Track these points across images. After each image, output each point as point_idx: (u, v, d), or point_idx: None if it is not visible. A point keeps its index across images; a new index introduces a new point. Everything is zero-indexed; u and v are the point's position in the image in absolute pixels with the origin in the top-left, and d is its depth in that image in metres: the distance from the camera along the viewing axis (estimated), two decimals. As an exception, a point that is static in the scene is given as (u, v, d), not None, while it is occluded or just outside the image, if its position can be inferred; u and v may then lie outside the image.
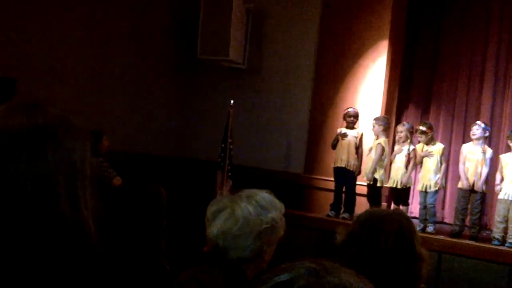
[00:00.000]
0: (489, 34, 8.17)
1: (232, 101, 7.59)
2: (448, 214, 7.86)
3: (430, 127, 7.16)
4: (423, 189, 7.00)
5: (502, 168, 6.66)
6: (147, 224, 2.72)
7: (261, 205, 2.27)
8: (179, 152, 8.74)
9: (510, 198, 6.51)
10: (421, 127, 7.13)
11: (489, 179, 6.86)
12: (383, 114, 7.64)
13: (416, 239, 2.04)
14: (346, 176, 7.33)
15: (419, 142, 7.28)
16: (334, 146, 7.44)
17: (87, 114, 7.35)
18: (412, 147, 7.10)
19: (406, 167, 7.07)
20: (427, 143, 7.07)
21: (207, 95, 8.81)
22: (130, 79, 8.04)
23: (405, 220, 2.08)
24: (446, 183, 7.97)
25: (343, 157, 7.32)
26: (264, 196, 2.32)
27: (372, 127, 7.27)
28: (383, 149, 7.14)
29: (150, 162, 8.02)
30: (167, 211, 3.16)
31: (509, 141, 6.74)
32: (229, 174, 7.31)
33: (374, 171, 7.11)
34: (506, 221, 6.50)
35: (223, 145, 7.46)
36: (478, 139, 6.86)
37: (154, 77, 8.45)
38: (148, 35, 8.31)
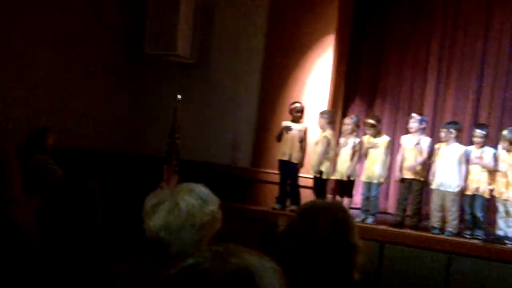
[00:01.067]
0: (433, 29, 8.38)
1: (179, 96, 7.57)
2: (391, 205, 8.05)
3: (378, 120, 7.33)
4: (367, 180, 7.15)
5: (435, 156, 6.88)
6: (80, 218, 2.71)
7: (202, 198, 2.28)
8: (127, 148, 8.69)
9: (442, 188, 6.72)
10: (369, 120, 7.28)
11: (430, 169, 7.04)
12: (329, 108, 7.76)
13: (350, 230, 2.13)
14: (290, 169, 7.44)
15: (365, 134, 7.43)
16: (278, 139, 7.55)
17: (36, 110, 7.26)
18: (358, 140, 7.24)
19: (352, 159, 7.21)
20: (374, 136, 7.23)
21: (156, 90, 8.78)
22: (77, 76, 7.95)
23: (341, 212, 2.16)
24: (389, 174, 8.19)
25: (286, 150, 7.43)
26: (202, 189, 2.33)
27: (318, 120, 7.38)
28: (329, 142, 7.26)
29: (98, 158, 7.95)
30: (109, 207, 3.17)
31: (442, 133, 6.92)
32: (176, 169, 7.30)
33: (320, 163, 7.23)
34: (443, 210, 6.73)
35: (169, 140, 7.44)
36: (415, 131, 7.05)
37: (102, 73, 8.37)
38: (96, 31, 8.23)
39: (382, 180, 7.13)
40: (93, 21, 8.19)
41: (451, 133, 6.73)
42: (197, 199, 2.27)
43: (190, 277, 0.94)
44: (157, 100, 8.70)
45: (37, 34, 7.39)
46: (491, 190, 6.57)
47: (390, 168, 7.67)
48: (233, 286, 0.93)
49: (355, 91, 8.72)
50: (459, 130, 6.82)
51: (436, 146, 6.95)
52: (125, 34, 8.70)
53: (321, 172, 7.22)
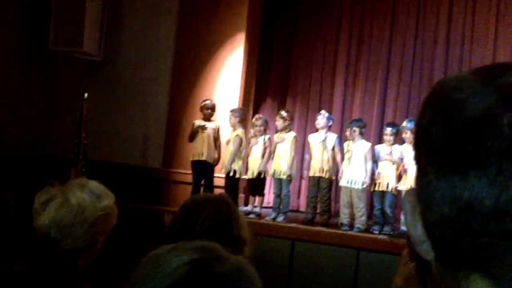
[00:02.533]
0: (340, 29, 8.58)
1: (86, 94, 7.35)
2: (303, 203, 8.14)
3: (290, 116, 7.35)
4: (275, 175, 7.18)
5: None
6: None
7: (95, 193, 2.22)
8: (31, 149, 8.34)
9: (349, 185, 6.86)
10: (282, 112, 7.34)
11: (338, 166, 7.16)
12: (240, 106, 7.75)
13: (234, 223, 2.13)
14: (205, 169, 7.36)
15: (276, 131, 7.47)
16: (191, 139, 7.44)
17: None
18: (267, 136, 7.27)
19: (263, 157, 7.22)
20: (282, 130, 7.26)
21: (61, 88, 8.47)
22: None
23: (225, 204, 2.17)
24: (302, 172, 8.28)
25: (203, 150, 7.33)
26: (95, 184, 2.27)
27: (228, 118, 7.35)
28: (241, 141, 7.24)
29: (2, 160, 7.59)
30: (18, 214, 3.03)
31: (347, 131, 7.08)
32: (83, 170, 7.08)
33: (233, 162, 7.21)
34: (351, 207, 6.86)
35: (76, 140, 7.21)
36: (322, 128, 7.15)
37: (4, 71, 7.99)
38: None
39: (288, 177, 7.14)
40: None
41: (354, 131, 6.88)
42: (89, 194, 2.20)
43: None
44: (63, 98, 8.39)
45: None
46: (399, 186, 6.76)
47: (300, 166, 7.75)
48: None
49: (266, 90, 8.78)
50: (362, 128, 6.95)
51: (345, 144, 7.07)
52: (28, 29, 8.34)
53: (234, 171, 7.19)
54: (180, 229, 2.07)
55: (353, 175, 6.81)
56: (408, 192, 0.85)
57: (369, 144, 6.93)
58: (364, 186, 6.79)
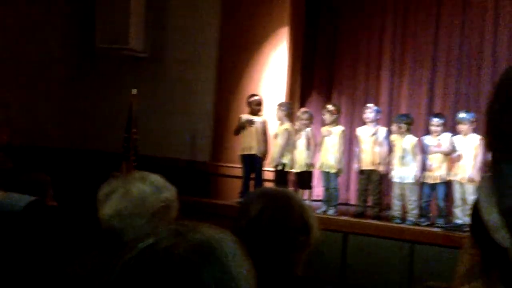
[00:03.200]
0: (384, 20, 8.47)
1: (134, 90, 7.42)
2: (353, 196, 8.08)
3: (337, 109, 7.31)
4: (322, 169, 7.14)
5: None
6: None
7: (155, 185, 2.24)
8: (82, 145, 8.49)
9: (400, 181, 6.76)
10: (328, 106, 7.29)
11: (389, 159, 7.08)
12: (286, 100, 7.73)
13: (283, 222, 1.97)
14: (254, 163, 7.37)
15: (323, 125, 7.42)
16: (237, 132, 7.46)
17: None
18: (309, 129, 7.23)
19: (308, 149, 7.20)
20: (330, 123, 7.21)
21: (109, 85, 8.59)
22: (27, 71, 7.72)
23: (273, 201, 2.01)
24: (349, 165, 8.21)
25: (252, 144, 7.36)
26: (156, 177, 2.29)
27: (276, 112, 7.33)
28: (289, 134, 7.23)
29: (53, 156, 7.74)
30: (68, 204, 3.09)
31: (394, 126, 6.98)
32: (134, 164, 7.16)
33: (282, 156, 7.20)
34: (403, 200, 6.77)
35: (126, 135, 7.29)
36: (371, 121, 7.08)
37: (52, 68, 8.15)
38: (44, 24, 8.01)
39: (337, 170, 7.09)
40: (42, 14, 7.95)
41: (401, 128, 6.79)
42: (150, 186, 2.23)
43: (150, 257, 0.92)
44: (112, 94, 8.50)
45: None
46: (449, 176, 6.67)
47: (348, 159, 7.69)
48: (195, 260, 0.92)
49: (311, 83, 8.73)
50: (409, 123, 6.86)
51: (392, 137, 6.99)
52: (75, 28, 8.48)
53: (283, 165, 7.17)
54: (235, 224, 1.99)
55: (405, 171, 6.73)
56: (483, 179, 0.82)
57: (416, 139, 6.83)
58: (415, 179, 6.69)
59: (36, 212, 2.58)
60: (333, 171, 7.08)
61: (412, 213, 6.68)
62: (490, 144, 0.83)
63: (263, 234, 1.94)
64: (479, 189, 0.89)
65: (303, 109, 7.53)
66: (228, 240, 0.99)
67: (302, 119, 7.25)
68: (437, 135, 6.79)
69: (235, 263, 0.96)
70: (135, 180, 2.24)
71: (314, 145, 7.23)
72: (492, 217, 0.85)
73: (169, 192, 2.28)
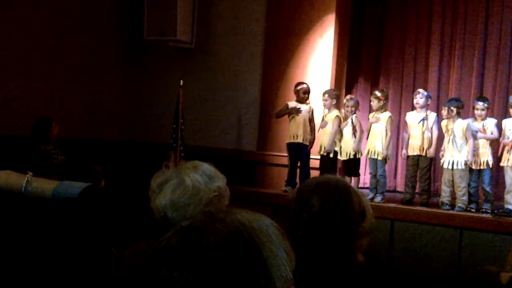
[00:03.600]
0: (433, 5, 8.31)
1: (181, 81, 7.53)
2: (400, 183, 8.01)
3: (385, 95, 7.22)
4: (370, 155, 7.10)
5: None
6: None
7: (207, 174, 2.24)
8: (130, 136, 8.66)
9: (449, 167, 6.66)
10: (376, 92, 7.23)
11: (438, 145, 6.99)
12: (332, 88, 7.70)
13: (346, 211, 1.96)
14: (301, 151, 7.38)
15: (370, 112, 7.38)
16: (279, 116, 7.49)
17: (35, 100, 7.21)
18: (354, 116, 7.18)
19: (354, 136, 7.16)
20: (377, 110, 7.15)
21: (156, 76, 8.73)
22: (77, 63, 7.90)
23: (336, 191, 1.99)
24: (397, 151, 8.14)
25: (298, 132, 7.36)
26: (207, 166, 2.29)
27: (324, 100, 7.30)
28: (340, 121, 7.23)
29: (101, 147, 7.92)
30: (118, 195, 3.18)
31: (444, 110, 6.85)
32: (182, 154, 7.27)
33: (334, 143, 7.20)
34: (452, 186, 6.68)
35: (174, 126, 7.41)
36: (421, 107, 6.99)
37: (101, 60, 8.32)
38: (94, 17, 8.17)
39: (384, 157, 7.03)
40: (91, 7, 8.12)
41: (452, 111, 6.67)
42: (202, 176, 2.22)
43: (183, 237, 0.95)
44: (159, 86, 8.65)
45: (35, 24, 7.33)
46: (498, 161, 6.54)
47: (397, 145, 7.61)
48: (227, 240, 0.93)
49: (358, 70, 8.66)
50: (460, 108, 6.73)
51: (443, 123, 6.88)
52: (124, 21, 8.64)
53: (335, 152, 7.17)
54: (291, 213, 1.98)
55: (455, 156, 6.63)
56: None
57: (466, 122, 6.70)
58: (466, 165, 6.59)
59: (92, 197, 2.66)
60: (380, 157, 7.03)
61: (462, 199, 6.58)
62: None
63: (328, 226, 1.94)
64: None
65: (349, 96, 7.49)
66: (263, 222, 0.99)
67: (348, 106, 7.21)
68: (482, 120, 6.67)
69: (271, 246, 0.96)
70: (188, 169, 2.24)
71: (360, 132, 7.18)
72: None
73: (221, 180, 2.28)
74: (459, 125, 6.66)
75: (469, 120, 6.78)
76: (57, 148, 6.16)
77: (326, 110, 7.35)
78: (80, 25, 7.91)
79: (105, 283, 2.54)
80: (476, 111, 6.71)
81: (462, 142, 6.63)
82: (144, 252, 2.28)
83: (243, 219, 0.97)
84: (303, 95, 7.43)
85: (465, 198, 6.60)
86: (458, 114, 6.70)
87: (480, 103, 6.69)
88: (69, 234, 2.68)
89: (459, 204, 6.56)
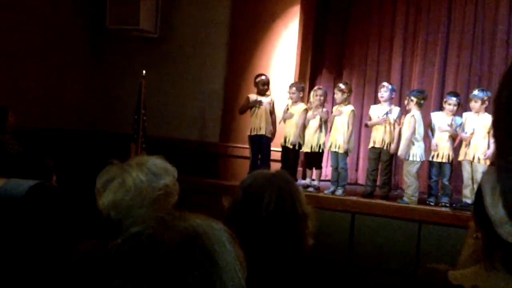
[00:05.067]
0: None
1: (144, 71, 7.43)
2: (362, 176, 8.06)
3: (348, 88, 7.23)
4: (332, 149, 7.11)
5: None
6: None
7: (153, 172, 2.21)
8: (92, 126, 8.53)
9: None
10: (340, 84, 7.24)
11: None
12: (296, 80, 7.69)
13: (297, 199, 2.09)
14: (262, 143, 7.36)
15: (334, 105, 7.39)
16: (242, 111, 7.46)
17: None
18: (325, 110, 7.20)
19: (319, 131, 7.16)
20: (341, 103, 7.17)
21: (119, 65, 8.60)
22: (37, 51, 7.73)
23: (284, 183, 2.11)
24: (359, 145, 8.18)
25: (261, 125, 7.33)
26: (155, 162, 2.26)
27: (291, 93, 7.27)
28: (306, 113, 7.23)
29: (63, 137, 7.80)
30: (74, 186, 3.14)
31: (406, 101, 6.93)
32: (143, 146, 7.20)
33: (299, 136, 7.20)
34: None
35: (136, 117, 7.32)
36: (386, 100, 7.03)
37: (62, 49, 8.15)
38: (55, 5, 7.99)
39: (346, 150, 7.05)
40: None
41: (412, 100, 6.74)
42: (146, 174, 2.19)
43: (135, 245, 0.93)
44: (121, 75, 8.53)
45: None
46: (457, 156, 6.64)
47: (358, 139, 7.64)
48: (181, 248, 0.91)
49: (322, 62, 8.67)
50: (421, 99, 6.79)
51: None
52: (86, 9, 8.47)
53: (299, 144, 7.18)
54: (243, 214, 2.02)
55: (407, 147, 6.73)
56: (487, 171, 0.80)
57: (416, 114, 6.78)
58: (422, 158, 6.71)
59: (38, 196, 2.60)
60: (342, 151, 7.05)
61: (407, 193, 6.68)
62: (496, 133, 0.81)
63: (284, 217, 2.03)
64: (483, 181, 0.88)
65: (316, 87, 7.49)
66: (217, 229, 0.98)
67: (317, 95, 7.18)
68: (452, 114, 6.74)
69: (224, 254, 0.95)
70: (132, 168, 2.20)
71: (327, 126, 7.21)
72: (496, 211, 0.85)
73: (168, 177, 2.25)
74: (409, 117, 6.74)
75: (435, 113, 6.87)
76: (13, 139, 6.03)
77: (290, 102, 7.33)
78: (40, 13, 7.74)
79: (52, 282, 2.50)
80: (448, 106, 6.73)
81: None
82: (93, 252, 2.24)
83: (197, 227, 0.95)
84: (262, 86, 7.40)
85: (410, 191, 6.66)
86: (418, 105, 6.75)
87: (454, 99, 6.73)
88: (14, 233, 2.63)
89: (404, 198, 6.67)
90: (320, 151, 7.23)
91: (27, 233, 2.64)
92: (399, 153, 6.75)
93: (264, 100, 7.37)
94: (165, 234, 0.92)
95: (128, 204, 2.16)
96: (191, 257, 0.91)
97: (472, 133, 6.53)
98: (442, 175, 6.68)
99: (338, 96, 7.18)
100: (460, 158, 6.62)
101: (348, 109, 7.12)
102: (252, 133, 7.36)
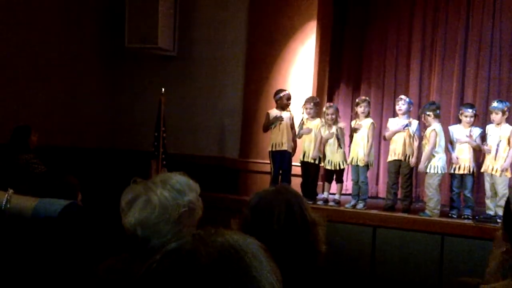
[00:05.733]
0: (414, 10, 8.37)
1: (163, 89, 7.50)
2: (382, 189, 8.02)
3: (367, 102, 7.24)
4: (353, 163, 7.11)
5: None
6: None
7: (177, 189, 2.22)
8: (112, 144, 8.60)
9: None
10: (358, 99, 7.27)
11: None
12: (314, 95, 7.70)
13: (305, 209, 2.12)
14: (284, 158, 7.36)
15: (352, 119, 7.38)
16: (266, 129, 7.46)
17: (13, 107, 7.13)
18: (341, 125, 7.20)
19: (339, 147, 7.16)
20: (363, 114, 7.14)
21: (138, 84, 8.69)
22: (57, 70, 7.84)
23: (291, 195, 2.15)
24: (379, 158, 8.15)
25: (283, 140, 7.33)
26: (178, 179, 2.27)
27: (309, 108, 7.27)
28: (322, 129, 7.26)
29: (82, 156, 7.87)
30: (97, 204, 3.17)
31: (422, 118, 6.91)
32: (164, 163, 7.24)
33: (319, 150, 7.21)
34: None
35: (156, 134, 7.37)
36: (403, 113, 7.02)
37: (82, 68, 8.27)
38: (74, 24, 8.12)
39: (366, 163, 7.04)
40: (72, 15, 8.07)
41: (429, 115, 6.72)
42: (170, 191, 2.21)
43: (174, 260, 0.93)
44: (140, 93, 8.61)
45: (16, 31, 7.26)
46: (479, 168, 6.59)
47: (378, 152, 7.61)
48: (219, 263, 0.91)
49: (340, 77, 8.69)
50: (435, 110, 6.77)
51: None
52: (105, 28, 8.60)
53: (319, 159, 7.19)
54: (255, 231, 2.04)
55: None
56: None
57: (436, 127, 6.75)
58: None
59: (72, 216, 2.62)
60: (362, 164, 7.04)
61: (428, 206, 6.65)
62: None
63: (295, 228, 2.07)
64: (511, 195, 0.88)
65: (328, 104, 7.49)
66: (254, 245, 0.98)
67: (328, 114, 7.20)
68: (470, 126, 6.71)
69: (261, 268, 0.95)
70: (155, 186, 2.21)
71: (345, 143, 7.21)
72: None
73: (192, 193, 2.26)
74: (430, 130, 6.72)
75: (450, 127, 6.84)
76: (37, 157, 6.12)
77: (306, 117, 7.34)
78: (61, 33, 7.86)
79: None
80: (465, 118, 6.72)
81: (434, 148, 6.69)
82: (119, 268, 2.26)
83: (233, 242, 0.96)
84: (286, 101, 7.41)
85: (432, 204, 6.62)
86: (436, 117, 6.73)
87: (470, 110, 6.72)
88: (49, 254, 2.66)
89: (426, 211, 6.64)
90: (343, 167, 7.23)
91: (61, 253, 2.66)
92: (420, 167, 6.72)
93: (284, 115, 7.39)
94: (203, 249, 0.93)
95: (155, 222, 2.17)
96: (229, 272, 0.91)
97: (491, 146, 6.51)
98: (464, 187, 6.64)
99: (356, 110, 7.19)
100: (483, 170, 6.57)
101: (367, 122, 7.12)
102: (274, 149, 7.36)
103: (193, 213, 2.27)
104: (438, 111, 6.79)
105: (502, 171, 6.39)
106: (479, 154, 6.81)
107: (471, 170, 6.61)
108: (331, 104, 7.45)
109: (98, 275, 2.36)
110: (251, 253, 0.96)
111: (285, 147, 7.32)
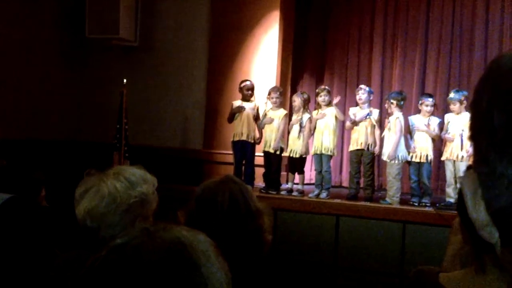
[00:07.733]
0: (376, 1, 8.42)
1: (125, 80, 7.41)
2: (346, 178, 8.09)
3: (329, 92, 7.25)
4: (317, 152, 7.12)
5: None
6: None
7: (130, 181, 2.22)
8: (73, 136, 8.48)
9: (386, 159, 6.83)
10: (320, 88, 7.27)
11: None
12: (277, 85, 7.70)
13: (249, 197, 2.17)
14: (246, 149, 7.35)
15: (315, 109, 7.40)
16: (230, 120, 7.43)
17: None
18: (307, 116, 7.20)
19: (301, 136, 7.16)
20: (326, 104, 7.14)
21: (100, 75, 8.57)
22: (16, 62, 7.67)
23: (234, 184, 2.19)
24: (342, 147, 8.21)
25: (243, 130, 7.31)
26: (133, 171, 2.27)
27: (276, 98, 7.25)
28: (288, 119, 7.27)
29: (43, 148, 7.74)
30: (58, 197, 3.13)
31: (386, 104, 6.99)
32: (126, 155, 7.17)
33: (281, 140, 7.20)
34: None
35: (118, 126, 7.29)
36: (364, 102, 7.07)
37: (42, 59, 8.11)
38: (33, 14, 7.95)
39: (330, 152, 7.07)
40: (31, 5, 7.90)
41: (392, 103, 6.78)
42: (122, 182, 2.21)
43: (120, 256, 0.92)
44: (102, 85, 8.49)
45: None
46: (440, 157, 6.69)
47: (341, 142, 7.66)
48: (165, 259, 0.91)
49: (303, 67, 8.71)
50: (400, 100, 6.83)
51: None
52: (65, 18, 8.44)
53: (281, 149, 7.18)
54: (200, 220, 2.08)
55: (389, 148, 6.76)
56: (466, 176, 0.80)
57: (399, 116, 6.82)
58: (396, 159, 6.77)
59: (11, 211, 2.58)
60: (326, 153, 7.07)
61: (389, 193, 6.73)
62: (475, 138, 0.80)
63: (238, 216, 2.11)
64: (463, 185, 0.88)
65: (298, 92, 7.50)
66: (202, 241, 0.98)
67: (297, 103, 7.20)
68: (429, 115, 6.79)
69: (210, 266, 0.94)
70: (108, 177, 2.22)
71: (309, 133, 7.20)
72: (479, 214, 0.85)
73: (146, 185, 2.26)
74: (394, 119, 6.77)
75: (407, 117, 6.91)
76: (-4, 152, 5.99)
77: (269, 106, 7.33)
78: (19, 24, 7.70)
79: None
80: (425, 107, 6.80)
81: (395, 136, 6.74)
82: (74, 263, 2.24)
83: (182, 238, 0.95)
84: (246, 91, 7.39)
85: (392, 191, 6.71)
86: (399, 107, 6.80)
87: (429, 99, 6.82)
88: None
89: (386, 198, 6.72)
90: (304, 156, 7.24)
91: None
92: (390, 154, 6.75)
93: (247, 105, 7.36)
94: (150, 245, 0.92)
95: (102, 212, 2.17)
96: (177, 269, 0.91)
97: (453, 134, 6.60)
98: (421, 175, 6.72)
99: (319, 99, 7.19)
100: (443, 157, 6.67)
101: (330, 110, 7.14)
102: (235, 139, 7.34)
103: (146, 205, 2.26)
104: (402, 102, 6.85)
105: (468, 156, 6.47)
106: (439, 144, 6.91)
107: (428, 158, 6.69)
108: (300, 92, 7.49)
109: (53, 270, 2.34)
110: (200, 250, 0.95)
111: (244, 137, 7.29)
